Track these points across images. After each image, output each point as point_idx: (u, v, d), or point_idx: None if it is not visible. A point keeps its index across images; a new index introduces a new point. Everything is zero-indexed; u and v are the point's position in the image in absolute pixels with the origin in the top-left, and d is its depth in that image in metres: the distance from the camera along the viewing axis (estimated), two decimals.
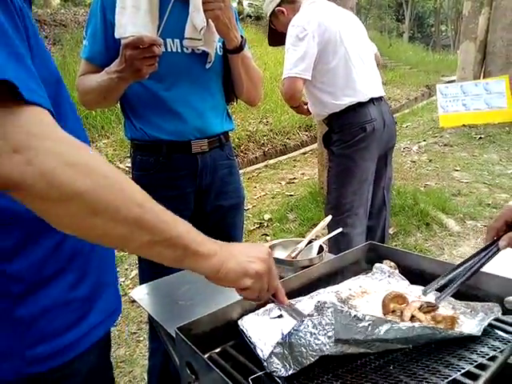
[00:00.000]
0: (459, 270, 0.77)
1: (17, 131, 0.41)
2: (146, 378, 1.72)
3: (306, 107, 1.91)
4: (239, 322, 0.72)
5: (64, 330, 0.59)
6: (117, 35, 1.06)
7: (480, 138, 5.01)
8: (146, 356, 1.85)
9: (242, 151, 5.50)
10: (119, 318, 2.16)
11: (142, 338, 2.01)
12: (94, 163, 0.46)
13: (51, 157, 0.42)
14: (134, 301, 2.27)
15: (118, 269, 2.65)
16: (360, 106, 1.70)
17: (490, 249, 0.76)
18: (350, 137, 1.72)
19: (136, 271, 2.60)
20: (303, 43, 1.64)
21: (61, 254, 0.58)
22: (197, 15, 1.07)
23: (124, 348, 1.94)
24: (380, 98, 1.78)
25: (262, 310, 0.76)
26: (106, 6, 1.08)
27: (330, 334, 0.57)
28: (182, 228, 0.54)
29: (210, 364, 0.60)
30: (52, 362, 0.58)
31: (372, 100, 1.72)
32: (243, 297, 0.65)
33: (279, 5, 1.81)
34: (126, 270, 2.66)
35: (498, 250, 0.75)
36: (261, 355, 0.66)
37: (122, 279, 2.56)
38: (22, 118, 0.42)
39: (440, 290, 0.77)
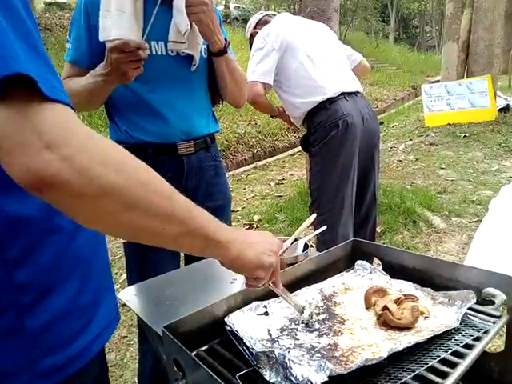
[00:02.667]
0: None
1: (47, 127, 0.40)
2: (136, 381, 1.71)
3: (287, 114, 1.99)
4: (226, 319, 0.73)
5: (74, 337, 0.58)
6: (101, 38, 1.06)
7: (465, 136, 5.10)
8: (136, 360, 1.85)
9: (230, 153, 5.51)
10: None
11: (132, 342, 2.00)
12: (124, 159, 0.46)
13: (85, 153, 0.41)
14: (124, 305, 2.27)
15: None
16: (331, 103, 1.74)
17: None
18: (324, 135, 1.75)
19: (125, 275, 2.59)
20: (262, 51, 1.81)
21: (66, 259, 0.57)
22: (180, 19, 1.08)
23: (114, 352, 1.94)
24: (355, 94, 1.81)
25: (248, 307, 0.77)
26: (90, 8, 1.08)
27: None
28: (205, 218, 0.55)
29: (197, 360, 0.61)
30: (66, 371, 0.57)
31: (344, 96, 1.76)
32: (248, 284, 0.68)
33: (255, 27, 2.04)
34: (116, 274, 2.65)
35: None
36: (247, 351, 0.67)
37: None
38: (50, 115, 0.41)
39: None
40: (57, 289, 0.55)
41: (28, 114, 0.40)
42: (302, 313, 0.75)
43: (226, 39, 1.19)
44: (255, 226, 3.24)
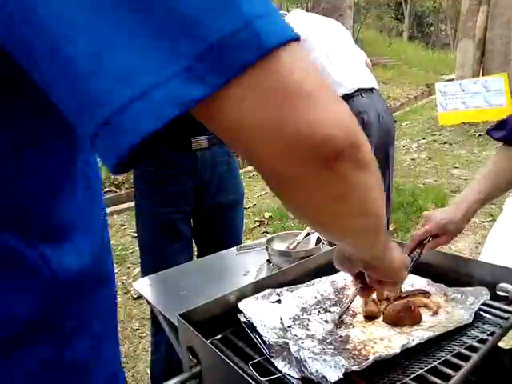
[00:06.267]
0: None
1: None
2: (148, 372, 1.74)
3: None
4: (239, 304, 0.74)
5: None
6: None
7: (479, 135, 5.03)
8: (148, 352, 1.88)
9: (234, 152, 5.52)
10: (122, 315, 2.19)
11: (144, 335, 2.04)
12: None
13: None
14: (136, 298, 2.32)
15: (120, 267, 2.68)
16: (347, 99, 1.74)
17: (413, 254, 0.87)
18: None
19: (138, 269, 2.62)
20: None
21: (111, 314, 0.48)
22: None
23: (127, 344, 1.97)
24: (370, 90, 1.82)
25: (261, 294, 0.79)
26: None
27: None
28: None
29: (212, 348, 0.62)
30: None
31: (360, 92, 1.77)
32: (365, 292, 0.64)
33: None
34: (129, 268, 2.69)
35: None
36: (260, 340, 0.68)
37: (125, 277, 2.59)
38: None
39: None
40: (98, 361, 0.44)
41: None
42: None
43: None
44: (266, 222, 3.25)
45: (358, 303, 0.81)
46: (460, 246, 2.58)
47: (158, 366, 1.41)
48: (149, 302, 0.99)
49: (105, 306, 0.46)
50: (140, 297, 2.33)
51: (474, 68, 6.24)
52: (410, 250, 0.88)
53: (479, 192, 0.92)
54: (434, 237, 0.90)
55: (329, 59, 1.80)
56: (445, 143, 4.94)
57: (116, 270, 2.65)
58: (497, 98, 5.54)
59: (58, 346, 0.39)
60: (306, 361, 0.59)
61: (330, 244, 1.07)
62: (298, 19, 1.94)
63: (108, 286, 0.46)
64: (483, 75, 6.09)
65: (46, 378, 0.39)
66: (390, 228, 2.73)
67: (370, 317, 0.74)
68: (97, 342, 0.43)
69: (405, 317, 0.71)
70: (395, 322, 0.71)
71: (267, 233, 3.07)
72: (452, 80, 6.79)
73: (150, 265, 1.27)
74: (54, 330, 0.39)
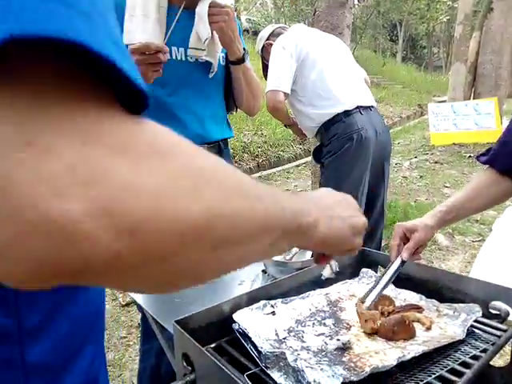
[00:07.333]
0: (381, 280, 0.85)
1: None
2: (134, 381, 1.71)
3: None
4: (234, 315, 0.74)
5: None
6: (125, 41, 1.09)
7: (469, 156, 5.13)
8: (135, 360, 1.85)
9: (236, 162, 5.54)
10: (109, 322, 2.15)
11: (131, 343, 2.00)
12: (214, 173, 0.28)
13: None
14: (124, 305, 2.28)
15: None
16: (347, 116, 1.77)
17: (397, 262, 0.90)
18: (338, 147, 1.77)
19: None
20: (281, 60, 1.82)
21: (87, 318, 0.45)
22: (202, 26, 1.12)
23: (113, 352, 1.93)
24: (369, 108, 1.85)
25: (255, 305, 0.78)
26: (115, 12, 1.11)
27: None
28: (292, 202, 0.39)
29: (209, 355, 0.62)
30: None
31: (359, 109, 1.79)
32: (320, 260, 0.56)
33: (268, 39, 2.05)
34: None
35: (403, 262, 0.90)
36: (255, 351, 0.68)
37: None
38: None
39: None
40: (70, 365, 0.43)
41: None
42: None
43: (244, 48, 1.23)
44: None
45: (353, 316, 0.81)
46: (450, 265, 2.61)
47: (145, 374, 1.39)
48: (142, 308, 0.98)
49: (81, 309, 0.44)
50: (128, 304, 2.30)
51: (466, 91, 6.41)
52: (396, 257, 0.92)
53: (447, 212, 0.98)
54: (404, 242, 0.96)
55: (329, 73, 1.81)
56: (436, 162, 5.03)
57: None
58: (487, 121, 5.68)
59: (17, 345, 0.38)
60: (303, 370, 0.58)
61: None
62: (301, 32, 1.95)
63: (86, 292, 0.44)
64: (474, 98, 6.25)
65: (5, 378, 0.38)
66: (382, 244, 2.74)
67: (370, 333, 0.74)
68: (66, 344, 0.42)
69: (400, 331, 0.71)
70: (390, 336, 0.71)
71: None
72: (444, 101, 6.95)
73: None
74: (12, 330, 0.38)
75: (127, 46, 1.09)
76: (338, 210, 0.47)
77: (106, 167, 0.21)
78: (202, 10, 1.11)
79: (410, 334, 0.72)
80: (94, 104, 0.22)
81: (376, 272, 1.00)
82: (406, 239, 0.97)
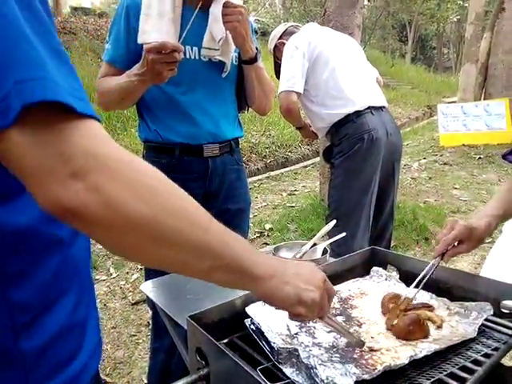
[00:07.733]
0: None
1: (73, 152, 0.37)
2: (144, 379, 1.73)
3: (311, 129, 1.99)
4: (247, 308, 0.75)
5: (73, 356, 0.52)
6: (140, 41, 1.11)
7: (479, 158, 5.08)
8: (144, 358, 1.87)
9: (244, 162, 5.55)
10: (119, 320, 2.17)
11: (140, 341, 2.02)
12: (157, 186, 0.42)
13: (113, 181, 0.38)
14: (134, 304, 2.30)
15: (118, 272, 2.67)
16: (358, 116, 1.75)
17: (437, 261, 0.88)
18: (349, 147, 1.77)
19: (137, 275, 2.62)
20: (294, 60, 1.81)
21: (65, 272, 0.51)
22: (216, 26, 1.13)
23: (123, 350, 1.96)
24: (381, 108, 1.83)
25: None
26: (131, 12, 1.14)
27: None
28: (242, 248, 0.51)
29: (223, 349, 0.63)
30: None
31: (371, 110, 1.78)
32: (291, 317, 0.63)
33: (280, 37, 2.02)
34: (127, 273, 2.68)
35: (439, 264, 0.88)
36: (267, 346, 0.69)
37: (123, 282, 2.58)
38: (77, 135, 0.37)
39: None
40: (55, 306, 0.49)
41: (52, 136, 0.37)
42: (362, 346, 0.69)
43: (256, 48, 1.24)
44: (266, 234, 3.26)
45: (364, 314, 0.82)
46: (459, 266, 2.59)
47: (155, 371, 1.40)
48: (154, 305, 0.99)
49: (60, 261, 0.50)
50: (137, 303, 2.32)
51: (476, 92, 6.35)
52: (438, 254, 0.89)
53: (498, 208, 0.95)
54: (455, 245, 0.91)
55: (342, 73, 1.79)
56: (445, 164, 4.99)
57: (114, 275, 2.64)
58: (497, 122, 5.62)
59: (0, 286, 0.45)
60: (316, 367, 0.59)
61: (336, 255, 1.08)
62: (314, 30, 1.93)
63: (69, 246, 0.51)
64: (485, 99, 6.18)
65: None
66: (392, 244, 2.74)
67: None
68: (47, 289, 0.49)
69: (415, 331, 0.72)
70: (405, 335, 0.72)
71: (267, 244, 3.07)
72: (454, 102, 6.89)
73: (154, 270, 1.28)
74: None
75: (141, 45, 1.10)
76: (296, 280, 0.56)
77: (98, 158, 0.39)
78: (216, 10, 1.12)
79: (424, 334, 0.72)
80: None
81: (386, 270, 1.00)
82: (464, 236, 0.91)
